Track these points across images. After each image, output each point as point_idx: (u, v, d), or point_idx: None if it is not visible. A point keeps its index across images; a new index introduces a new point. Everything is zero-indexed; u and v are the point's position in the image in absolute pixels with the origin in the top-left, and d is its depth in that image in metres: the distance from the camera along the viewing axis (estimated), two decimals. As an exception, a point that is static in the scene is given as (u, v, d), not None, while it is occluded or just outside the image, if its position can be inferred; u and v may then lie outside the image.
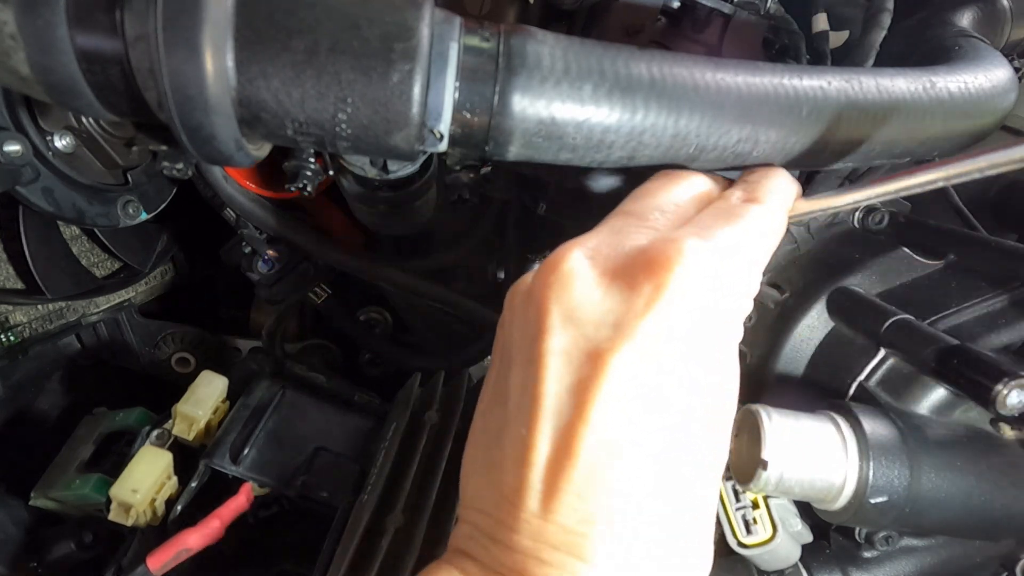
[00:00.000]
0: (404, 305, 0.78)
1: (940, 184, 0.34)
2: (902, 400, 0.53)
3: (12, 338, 0.59)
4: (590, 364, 0.27)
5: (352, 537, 0.46)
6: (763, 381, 0.63)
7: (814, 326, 0.61)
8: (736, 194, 0.35)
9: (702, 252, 0.28)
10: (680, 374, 0.27)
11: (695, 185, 0.36)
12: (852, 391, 0.56)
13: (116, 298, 0.69)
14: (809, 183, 0.67)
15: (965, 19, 0.63)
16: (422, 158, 0.53)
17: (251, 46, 0.29)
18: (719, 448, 0.29)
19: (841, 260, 0.63)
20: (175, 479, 0.54)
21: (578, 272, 0.29)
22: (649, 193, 0.35)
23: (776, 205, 0.35)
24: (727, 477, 0.50)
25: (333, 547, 0.48)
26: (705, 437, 0.28)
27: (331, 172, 0.55)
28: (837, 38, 0.72)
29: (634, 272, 0.28)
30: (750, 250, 0.32)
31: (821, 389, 0.59)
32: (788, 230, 0.66)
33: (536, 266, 0.34)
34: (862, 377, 0.55)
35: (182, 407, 0.55)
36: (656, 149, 0.36)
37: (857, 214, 0.70)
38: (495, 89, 0.33)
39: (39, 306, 0.62)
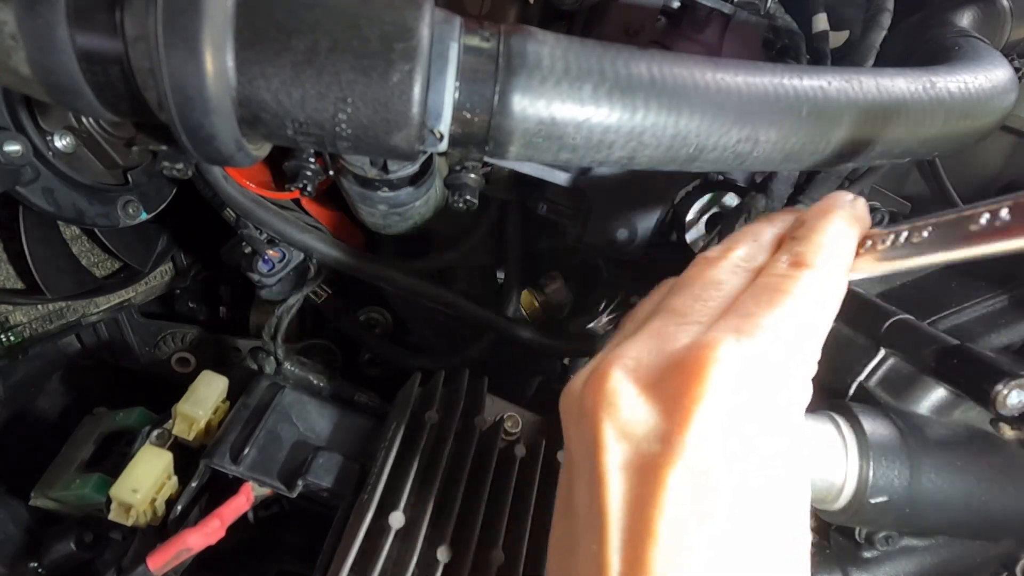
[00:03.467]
0: (404, 305, 0.78)
1: None
2: (902, 400, 0.53)
3: (12, 338, 0.59)
4: (648, 480, 0.28)
5: (352, 537, 0.46)
6: (763, 381, 0.63)
7: (814, 326, 0.61)
8: (783, 259, 0.32)
9: (735, 353, 0.28)
10: (729, 477, 0.28)
11: (739, 266, 0.34)
12: (852, 391, 0.56)
13: (116, 298, 0.69)
14: (809, 182, 0.67)
15: (965, 19, 0.63)
16: (422, 158, 0.53)
17: (251, 46, 0.29)
18: (791, 534, 0.29)
19: (841, 260, 0.63)
20: (175, 479, 0.54)
21: (622, 389, 0.30)
22: (689, 282, 0.33)
23: (829, 267, 0.32)
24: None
25: (333, 547, 0.48)
26: (770, 530, 0.28)
27: (331, 172, 0.55)
28: (837, 38, 0.72)
29: (671, 383, 0.29)
30: (796, 332, 0.30)
31: (821, 389, 0.59)
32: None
33: (581, 365, 0.33)
34: (862, 377, 0.55)
35: (182, 407, 0.55)
36: (656, 149, 0.36)
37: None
38: (495, 89, 0.33)
39: (39, 306, 0.62)
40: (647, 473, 0.28)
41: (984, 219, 0.31)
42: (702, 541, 0.27)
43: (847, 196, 0.35)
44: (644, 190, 0.67)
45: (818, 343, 0.31)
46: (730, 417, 0.28)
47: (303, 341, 0.77)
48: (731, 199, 0.69)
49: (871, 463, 0.45)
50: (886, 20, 0.62)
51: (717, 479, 0.27)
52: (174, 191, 0.64)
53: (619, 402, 0.29)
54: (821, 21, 0.65)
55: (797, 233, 0.34)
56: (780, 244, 0.35)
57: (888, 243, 0.34)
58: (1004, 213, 0.30)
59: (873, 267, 0.35)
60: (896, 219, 0.67)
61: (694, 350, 0.29)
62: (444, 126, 0.34)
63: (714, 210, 0.70)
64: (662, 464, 0.27)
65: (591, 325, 0.69)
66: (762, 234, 0.35)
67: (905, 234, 0.33)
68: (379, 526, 0.47)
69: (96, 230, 0.61)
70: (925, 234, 0.32)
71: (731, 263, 0.33)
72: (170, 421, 0.56)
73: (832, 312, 0.32)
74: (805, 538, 0.29)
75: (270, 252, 0.64)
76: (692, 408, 0.28)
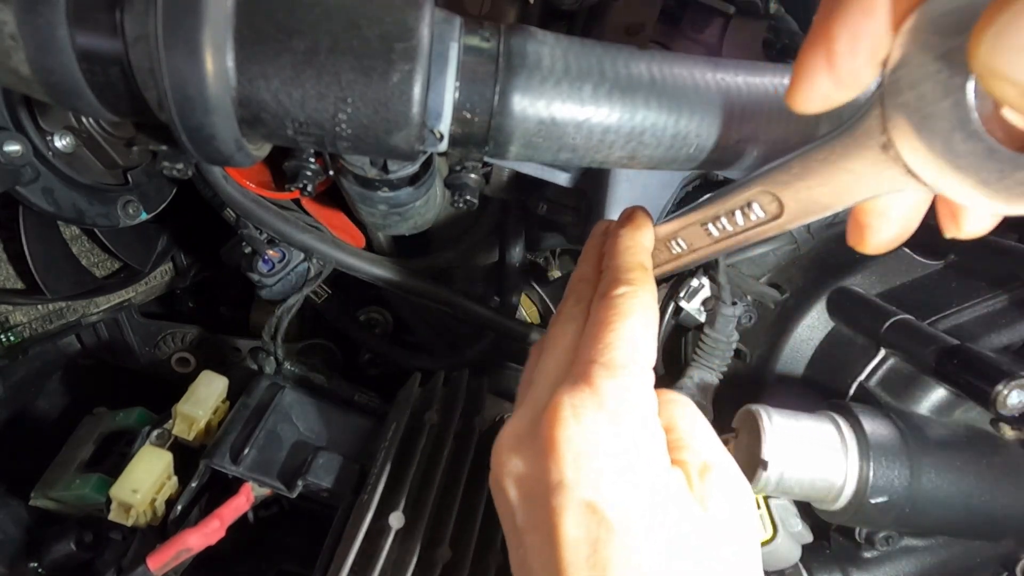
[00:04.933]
0: (404, 305, 0.78)
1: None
2: (902, 400, 0.53)
3: (12, 338, 0.59)
4: (545, 532, 0.31)
5: (352, 537, 0.46)
6: (763, 381, 0.63)
7: (814, 326, 0.61)
8: (599, 293, 0.37)
9: (571, 408, 0.32)
10: (607, 489, 0.31)
11: (571, 308, 0.38)
12: (852, 391, 0.56)
13: (116, 298, 0.69)
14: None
15: (965, 19, 0.63)
16: (422, 158, 0.53)
17: (251, 46, 0.29)
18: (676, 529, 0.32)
19: (841, 260, 0.63)
20: (175, 479, 0.54)
21: (508, 457, 0.34)
22: (542, 350, 0.38)
23: (631, 280, 0.36)
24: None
25: (333, 547, 0.48)
26: (658, 532, 0.31)
27: (331, 172, 0.55)
28: (837, 38, 0.72)
29: (535, 445, 0.33)
30: (624, 351, 0.34)
31: (821, 389, 0.59)
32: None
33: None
34: (862, 377, 0.55)
35: (182, 407, 0.55)
36: (656, 149, 0.36)
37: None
38: (495, 89, 0.33)
39: (39, 306, 0.62)
40: (544, 523, 0.31)
41: (718, 226, 0.37)
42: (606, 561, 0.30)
43: (623, 214, 0.41)
44: (644, 190, 0.67)
45: (651, 345, 0.35)
46: (581, 449, 0.31)
47: (303, 341, 0.77)
48: (731, 199, 0.69)
49: (871, 463, 0.45)
50: (886, 20, 0.61)
51: (600, 490, 0.31)
52: (174, 191, 0.64)
53: (512, 467, 0.34)
54: (821, 21, 0.65)
55: (604, 264, 0.39)
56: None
57: (676, 250, 0.40)
58: (755, 207, 0.35)
59: (672, 267, 0.41)
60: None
61: (545, 413, 0.33)
62: (444, 126, 0.34)
63: (714, 210, 0.70)
64: (555, 511, 0.31)
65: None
66: (584, 271, 0.40)
67: (682, 244, 0.40)
68: (379, 526, 0.47)
69: (96, 230, 0.61)
70: (713, 233, 0.38)
71: (567, 313, 0.38)
72: (170, 421, 0.56)
73: (654, 311, 0.36)
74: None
75: (270, 252, 0.64)
76: (554, 452, 0.31)
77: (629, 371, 0.33)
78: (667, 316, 0.66)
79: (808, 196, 0.31)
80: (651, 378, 0.34)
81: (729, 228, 0.37)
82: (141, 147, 0.56)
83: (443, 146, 0.35)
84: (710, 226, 0.38)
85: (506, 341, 0.75)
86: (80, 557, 0.56)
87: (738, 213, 0.36)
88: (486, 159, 0.61)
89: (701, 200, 0.38)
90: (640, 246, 0.39)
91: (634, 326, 0.34)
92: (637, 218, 0.40)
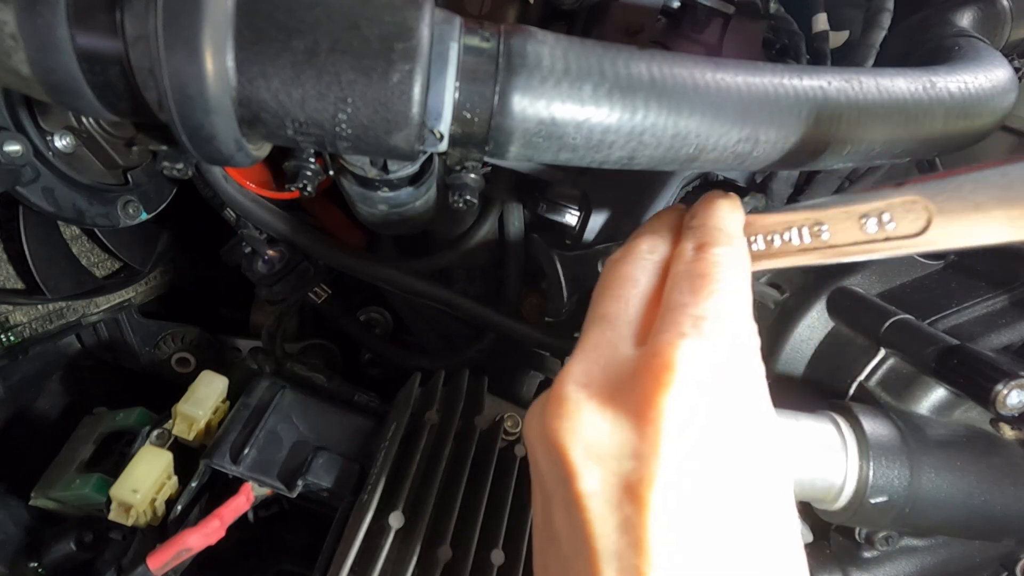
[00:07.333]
0: (404, 305, 0.78)
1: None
2: (902, 400, 0.53)
3: (12, 338, 0.59)
4: (629, 500, 0.27)
5: (352, 537, 0.46)
6: (763, 381, 0.63)
7: (814, 326, 0.61)
8: (688, 246, 0.34)
9: (689, 357, 0.28)
10: (712, 482, 0.27)
11: (646, 258, 0.35)
12: (852, 391, 0.56)
13: (116, 298, 0.69)
14: (809, 183, 0.67)
15: (965, 19, 0.63)
16: (422, 158, 0.53)
17: (251, 46, 0.30)
18: (786, 526, 0.29)
19: (841, 260, 0.63)
20: (175, 479, 0.54)
21: (579, 408, 0.29)
22: (605, 286, 0.34)
23: (731, 241, 0.34)
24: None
25: (333, 547, 0.48)
26: (766, 527, 0.28)
27: (331, 172, 0.55)
28: (837, 38, 0.72)
29: (633, 397, 0.28)
30: (733, 312, 0.30)
31: (821, 389, 0.59)
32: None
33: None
34: (862, 377, 0.55)
35: (182, 407, 0.55)
36: (656, 149, 0.36)
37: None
38: (495, 89, 0.33)
39: (39, 306, 0.62)
40: (627, 494, 0.27)
41: (872, 224, 0.34)
42: (699, 553, 0.26)
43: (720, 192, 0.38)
44: (644, 190, 0.67)
45: (751, 313, 0.32)
46: (698, 422, 0.27)
47: (303, 341, 0.77)
48: (731, 199, 0.69)
49: (871, 463, 0.45)
50: (886, 20, 0.61)
51: (701, 488, 0.27)
52: (174, 191, 0.64)
53: (581, 422, 0.28)
54: (821, 21, 0.65)
55: (692, 223, 0.36)
56: (676, 237, 0.36)
57: (785, 241, 0.37)
58: (887, 218, 0.33)
59: (773, 263, 0.37)
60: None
61: (647, 359, 0.28)
62: (444, 126, 0.34)
63: (714, 210, 0.70)
64: (641, 482, 0.27)
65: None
66: (658, 227, 0.37)
67: (798, 235, 0.36)
68: (379, 526, 0.47)
69: (96, 230, 0.61)
70: (823, 236, 0.35)
71: (637, 258, 0.35)
72: (170, 421, 0.56)
73: (746, 278, 0.33)
74: (796, 526, 0.29)
75: (270, 252, 0.64)
76: (659, 420, 0.27)
77: (748, 335, 0.30)
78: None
79: (972, 220, 0.29)
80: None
81: (847, 237, 0.34)
82: (141, 147, 0.56)
83: (443, 146, 0.35)
84: (824, 229, 0.34)
85: (506, 341, 0.75)
86: (80, 557, 0.56)
87: (869, 221, 0.33)
88: (486, 159, 0.61)
89: (823, 200, 0.35)
90: (737, 217, 0.36)
91: (742, 284, 0.32)
92: (732, 196, 0.38)
